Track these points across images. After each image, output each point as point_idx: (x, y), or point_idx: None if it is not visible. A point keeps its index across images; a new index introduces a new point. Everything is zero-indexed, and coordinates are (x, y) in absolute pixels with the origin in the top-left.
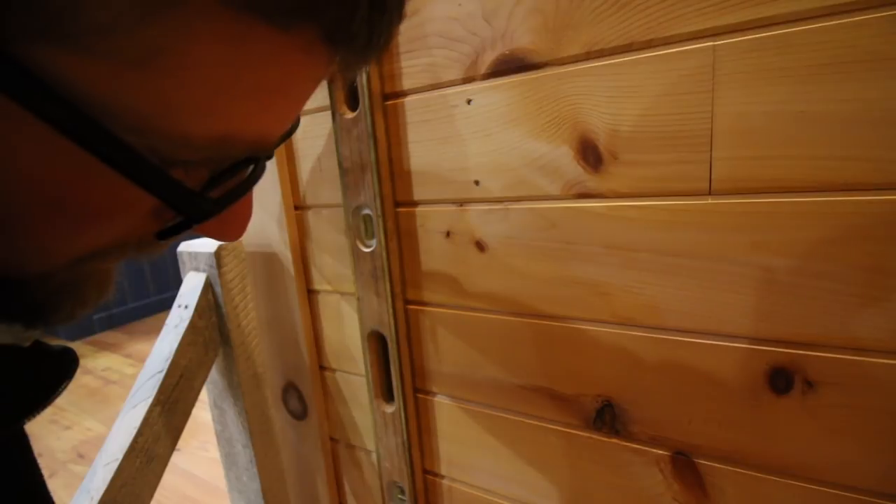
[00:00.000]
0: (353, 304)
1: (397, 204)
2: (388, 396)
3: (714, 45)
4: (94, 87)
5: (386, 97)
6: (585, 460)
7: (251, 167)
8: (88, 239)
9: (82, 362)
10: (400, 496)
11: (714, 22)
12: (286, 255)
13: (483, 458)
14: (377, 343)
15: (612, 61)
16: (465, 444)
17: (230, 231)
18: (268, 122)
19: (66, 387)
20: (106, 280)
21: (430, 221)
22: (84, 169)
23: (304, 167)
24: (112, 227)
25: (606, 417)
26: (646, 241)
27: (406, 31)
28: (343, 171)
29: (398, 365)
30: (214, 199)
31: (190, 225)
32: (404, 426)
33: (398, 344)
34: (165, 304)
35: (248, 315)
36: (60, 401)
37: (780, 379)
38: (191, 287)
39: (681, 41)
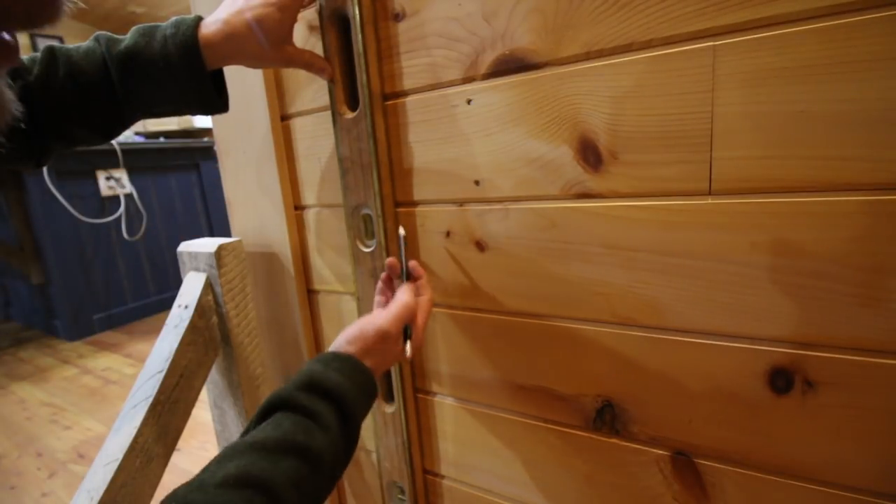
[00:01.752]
0: (353, 304)
1: (397, 204)
2: (388, 396)
3: (714, 45)
4: None
5: (386, 97)
6: (585, 460)
7: None
8: None
9: (82, 362)
10: (400, 496)
11: (714, 22)
12: (286, 255)
13: (483, 458)
14: None
15: (612, 61)
16: (465, 444)
17: None
18: None
19: None
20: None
21: (430, 221)
22: None
23: (304, 167)
24: None
25: (606, 417)
26: (646, 241)
27: (406, 31)
28: (343, 171)
29: (398, 365)
30: None
31: None
32: (404, 426)
33: None
34: (165, 304)
35: (248, 315)
36: (60, 401)
37: (780, 379)
38: (191, 287)
39: (681, 41)
